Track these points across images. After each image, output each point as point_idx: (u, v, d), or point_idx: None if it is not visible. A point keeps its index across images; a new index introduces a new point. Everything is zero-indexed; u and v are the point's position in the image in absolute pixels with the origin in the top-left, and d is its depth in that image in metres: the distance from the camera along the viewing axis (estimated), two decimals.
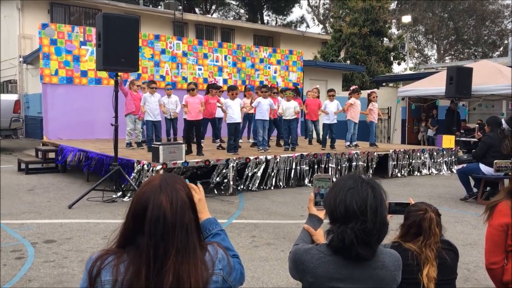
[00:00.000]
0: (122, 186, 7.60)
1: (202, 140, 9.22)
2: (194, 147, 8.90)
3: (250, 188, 8.49)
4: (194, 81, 11.52)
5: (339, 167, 9.61)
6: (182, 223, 1.49)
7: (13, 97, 14.99)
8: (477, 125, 14.41)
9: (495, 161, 6.88)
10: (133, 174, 7.43)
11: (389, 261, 1.79)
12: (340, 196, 1.74)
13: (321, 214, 2.12)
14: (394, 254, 1.85)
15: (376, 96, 11.35)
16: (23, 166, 10.25)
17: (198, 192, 1.82)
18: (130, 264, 1.46)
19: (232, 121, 9.12)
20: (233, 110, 9.13)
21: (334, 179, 1.93)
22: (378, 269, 1.76)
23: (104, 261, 1.49)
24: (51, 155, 10.69)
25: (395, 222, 2.46)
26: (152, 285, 1.43)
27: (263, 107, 9.42)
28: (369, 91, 12.17)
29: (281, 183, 8.88)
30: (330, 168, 9.46)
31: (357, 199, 1.71)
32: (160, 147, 7.47)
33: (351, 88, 11.20)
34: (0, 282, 4.01)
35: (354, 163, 9.87)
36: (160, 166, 7.33)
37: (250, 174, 8.50)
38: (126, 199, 7.37)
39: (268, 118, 9.57)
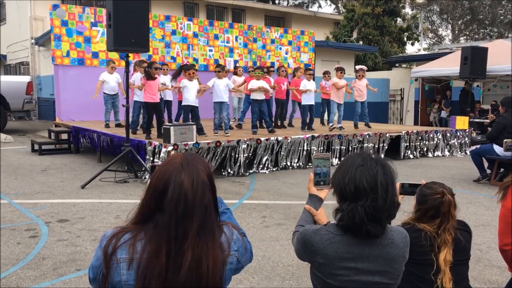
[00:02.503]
0: (143, 169, 7.47)
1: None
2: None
3: (261, 169, 8.50)
4: (152, 61, 10.33)
5: (350, 148, 9.57)
6: (202, 204, 1.47)
7: (26, 78, 15.07)
8: (491, 106, 14.20)
9: (505, 140, 6.76)
10: (146, 157, 7.48)
11: (398, 238, 1.78)
12: (349, 174, 1.72)
13: (321, 194, 2.10)
14: (402, 231, 1.84)
15: (361, 75, 10.37)
16: (36, 147, 10.35)
17: None
18: (148, 243, 1.44)
19: (187, 103, 8.56)
20: (190, 92, 8.50)
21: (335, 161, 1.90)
22: (387, 246, 1.74)
23: (120, 238, 1.46)
24: (64, 136, 10.79)
25: (406, 203, 2.44)
26: (171, 264, 1.42)
27: (219, 88, 8.88)
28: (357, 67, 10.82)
29: (292, 164, 8.87)
30: (340, 150, 9.42)
31: (367, 176, 1.69)
32: (171, 128, 7.47)
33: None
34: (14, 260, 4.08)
35: (365, 145, 9.81)
36: (172, 147, 7.35)
37: (261, 156, 8.49)
38: (142, 180, 7.44)
39: (225, 100, 8.99)
